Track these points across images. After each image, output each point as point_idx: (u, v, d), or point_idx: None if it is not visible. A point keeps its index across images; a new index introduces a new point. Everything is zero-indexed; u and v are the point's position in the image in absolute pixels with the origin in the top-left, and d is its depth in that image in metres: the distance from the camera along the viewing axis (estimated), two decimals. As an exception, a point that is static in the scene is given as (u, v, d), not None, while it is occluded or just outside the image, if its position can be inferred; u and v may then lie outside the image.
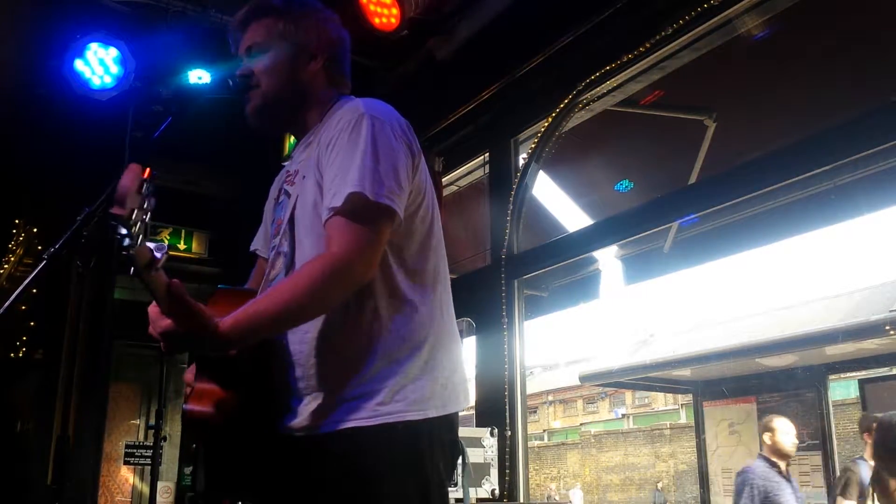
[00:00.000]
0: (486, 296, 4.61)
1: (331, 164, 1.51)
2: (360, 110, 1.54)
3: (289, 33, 1.68)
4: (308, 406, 1.50)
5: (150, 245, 1.24)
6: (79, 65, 4.64)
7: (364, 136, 1.49)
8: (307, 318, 1.49)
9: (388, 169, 1.48)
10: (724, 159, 4.85)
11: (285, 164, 1.82)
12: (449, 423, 1.56)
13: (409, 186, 1.54)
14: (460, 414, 1.64)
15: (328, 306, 1.48)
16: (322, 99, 1.70)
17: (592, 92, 4.38)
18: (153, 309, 1.38)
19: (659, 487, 20.34)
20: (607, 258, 5.91)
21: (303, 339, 1.52)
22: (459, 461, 3.40)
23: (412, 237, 1.57)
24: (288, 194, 1.66)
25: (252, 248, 1.85)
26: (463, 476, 3.48)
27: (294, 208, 1.60)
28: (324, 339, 1.51)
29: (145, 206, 1.22)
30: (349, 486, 1.44)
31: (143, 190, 1.22)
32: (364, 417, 1.46)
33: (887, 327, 6.39)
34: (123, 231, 1.19)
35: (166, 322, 1.35)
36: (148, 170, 1.24)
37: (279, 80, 1.66)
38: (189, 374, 1.57)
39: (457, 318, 1.68)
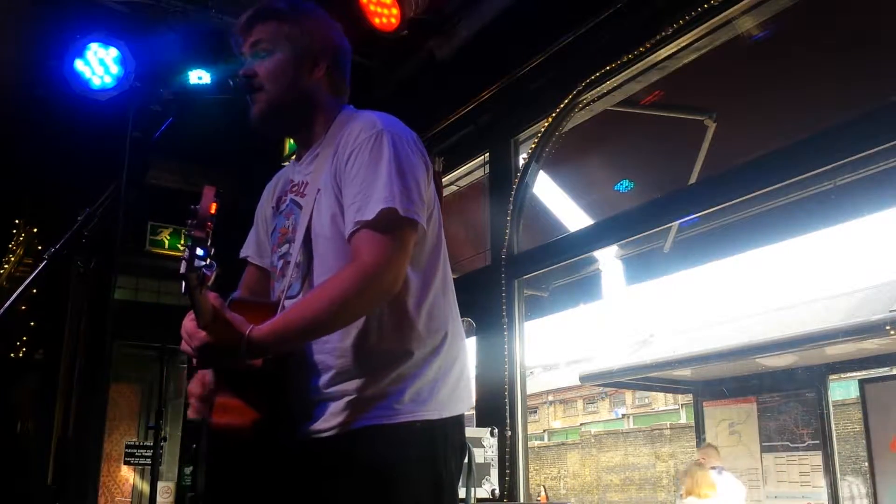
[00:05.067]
0: (486, 296, 4.61)
1: (353, 178, 1.53)
2: (378, 126, 1.56)
3: (293, 37, 1.68)
4: (327, 409, 1.52)
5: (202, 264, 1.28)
6: (79, 65, 4.63)
7: (387, 152, 1.52)
8: (338, 328, 1.51)
9: (412, 184, 1.52)
10: (724, 159, 4.85)
11: (285, 170, 1.81)
12: (459, 424, 1.60)
13: (426, 197, 1.58)
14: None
15: (358, 315, 1.50)
16: (326, 107, 1.71)
17: (592, 92, 4.38)
18: (189, 324, 1.42)
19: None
20: (608, 258, 5.91)
21: (321, 350, 1.54)
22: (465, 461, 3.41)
23: (424, 245, 1.60)
24: (298, 205, 1.66)
25: (242, 254, 1.84)
26: (467, 477, 3.48)
27: (311, 220, 1.60)
28: (344, 346, 1.53)
29: (212, 228, 1.28)
30: (368, 483, 1.46)
31: (216, 212, 1.28)
32: (385, 416, 1.49)
33: (887, 327, 6.37)
34: (201, 252, 1.24)
35: (202, 335, 1.38)
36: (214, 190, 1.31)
37: (283, 83, 1.66)
38: (195, 384, 1.56)
39: (458, 319, 1.70)
